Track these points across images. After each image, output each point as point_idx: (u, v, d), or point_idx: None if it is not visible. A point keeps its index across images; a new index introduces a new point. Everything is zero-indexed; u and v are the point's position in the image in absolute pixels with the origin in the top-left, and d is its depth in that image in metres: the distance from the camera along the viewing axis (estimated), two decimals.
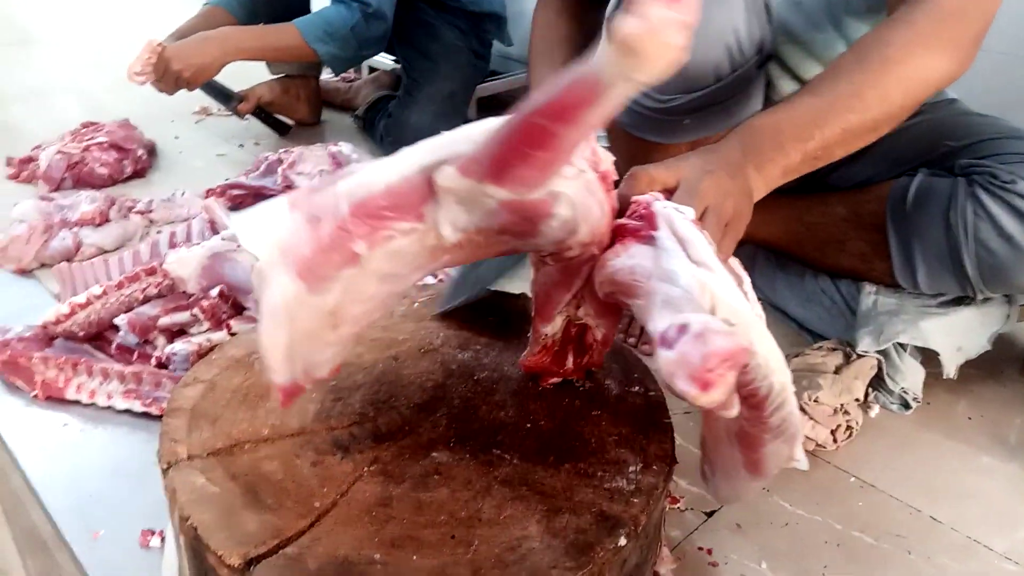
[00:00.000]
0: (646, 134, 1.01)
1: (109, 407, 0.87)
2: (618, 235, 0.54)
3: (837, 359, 0.90)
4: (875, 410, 0.93)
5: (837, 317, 1.01)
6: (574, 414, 0.68)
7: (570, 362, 0.68)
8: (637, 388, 0.71)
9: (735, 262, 0.62)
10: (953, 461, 0.86)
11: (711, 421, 0.62)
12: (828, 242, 1.02)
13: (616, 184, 0.60)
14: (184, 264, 0.92)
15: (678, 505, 0.77)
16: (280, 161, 1.39)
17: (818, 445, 0.84)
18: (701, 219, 0.59)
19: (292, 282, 0.50)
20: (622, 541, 0.55)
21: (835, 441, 0.85)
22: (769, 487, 0.81)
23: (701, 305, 0.47)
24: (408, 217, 0.50)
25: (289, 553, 0.53)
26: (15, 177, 1.50)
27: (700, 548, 0.73)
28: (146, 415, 0.86)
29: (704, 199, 0.60)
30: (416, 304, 0.83)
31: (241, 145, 1.74)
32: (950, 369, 0.93)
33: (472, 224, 0.52)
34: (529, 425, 0.66)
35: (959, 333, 0.95)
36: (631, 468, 0.61)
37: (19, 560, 0.89)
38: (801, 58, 1.03)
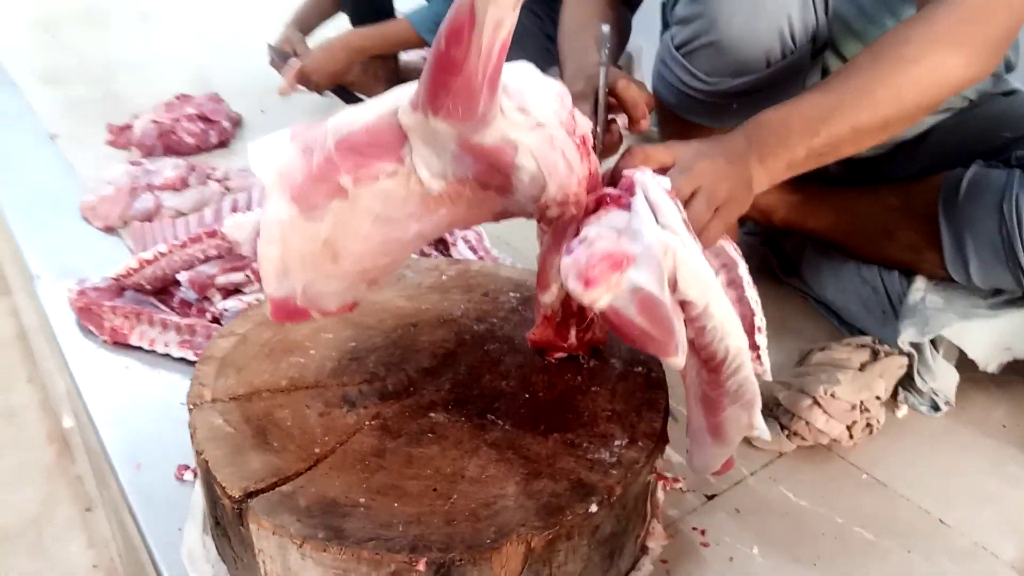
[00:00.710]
0: (694, 117, 1.01)
1: (167, 355, 0.96)
2: (601, 204, 0.57)
3: (863, 356, 0.89)
4: (903, 410, 0.91)
5: (875, 309, 0.99)
6: (573, 388, 0.70)
7: (573, 336, 0.71)
8: (640, 368, 0.73)
9: (730, 247, 0.63)
10: (977, 467, 0.84)
11: (687, 390, 0.64)
12: (878, 232, 1.00)
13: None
14: (240, 229, 0.99)
15: (679, 485, 0.79)
16: None
17: (832, 440, 0.84)
18: (691, 199, 0.60)
19: (286, 204, 0.57)
20: (593, 508, 0.58)
21: (851, 437, 0.84)
22: (776, 477, 0.81)
23: (661, 265, 0.50)
24: (389, 158, 0.56)
25: (284, 491, 0.58)
26: (113, 143, 1.62)
27: (695, 528, 0.75)
28: None
29: (696, 180, 0.61)
30: (444, 277, 0.87)
31: None
32: (991, 365, 0.91)
33: (448, 170, 0.57)
34: (527, 395, 0.69)
35: (1008, 334, 0.92)
36: (617, 442, 0.64)
37: (98, 493, 0.99)
38: (855, 48, 1.01)
